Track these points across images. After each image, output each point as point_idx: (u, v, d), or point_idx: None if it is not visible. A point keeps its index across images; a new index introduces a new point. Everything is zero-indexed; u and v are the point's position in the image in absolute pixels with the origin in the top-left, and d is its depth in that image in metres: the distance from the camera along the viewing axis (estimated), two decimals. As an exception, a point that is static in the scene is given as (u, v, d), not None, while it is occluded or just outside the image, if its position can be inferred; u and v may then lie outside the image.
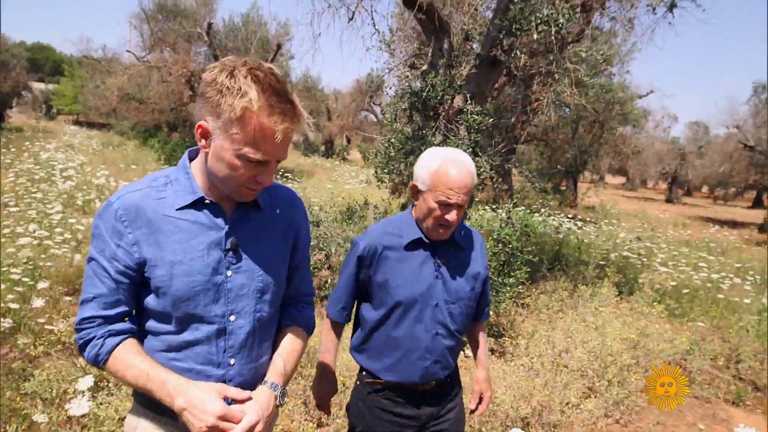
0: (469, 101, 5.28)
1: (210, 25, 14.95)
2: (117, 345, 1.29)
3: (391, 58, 7.19)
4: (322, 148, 35.61)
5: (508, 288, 4.43)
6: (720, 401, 4.55)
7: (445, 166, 1.74)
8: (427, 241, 1.88)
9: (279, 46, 16.58)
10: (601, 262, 7.99)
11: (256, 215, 1.40)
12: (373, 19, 6.90)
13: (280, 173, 15.74)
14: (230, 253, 1.33)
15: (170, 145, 16.55)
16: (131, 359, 1.27)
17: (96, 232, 1.29)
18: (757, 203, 35.46)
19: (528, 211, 12.93)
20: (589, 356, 4.00)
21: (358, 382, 2.01)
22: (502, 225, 4.52)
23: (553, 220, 11.63)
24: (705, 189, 44.43)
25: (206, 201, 1.32)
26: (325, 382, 2.01)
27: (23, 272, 4.43)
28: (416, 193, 1.85)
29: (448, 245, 1.91)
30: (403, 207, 6.67)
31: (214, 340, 1.33)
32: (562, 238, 9.74)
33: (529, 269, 5.99)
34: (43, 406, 2.97)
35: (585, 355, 3.94)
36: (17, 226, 5.94)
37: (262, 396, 1.32)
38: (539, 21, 4.54)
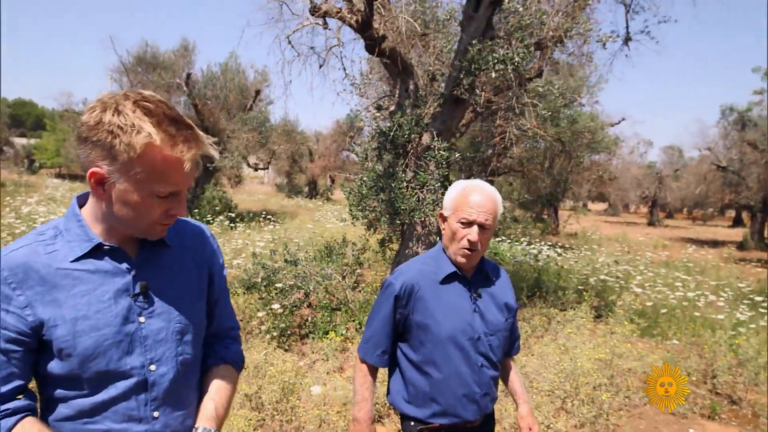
0: (436, 138, 5.51)
1: (189, 75, 15.31)
2: (13, 426, 1.14)
3: (363, 99, 7.46)
4: (306, 189, 35.89)
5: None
6: (696, 416, 4.65)
7: (466, 190, 1.85)
8: (461, 274, 1.90)
9: (257, 92, 16.96)
10: (580, 287, 8.16)
11: (164, 253, 1.32)
12: (343, 64, 7.21)
13: (263, 215, 15.86)
14: (140, 297, 1.24)
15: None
16: None
17: None
18: (737, 222, 36.24)
19: (507, 240, 13.15)
20: (559, 377, 4.10)
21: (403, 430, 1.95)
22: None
23: (533, 248, 11.84)
24: (685, 211, 45.33)
25: (105, 247, 1.22)
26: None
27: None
28: (443, 221, 1.93)
29: (480, 278, 1.94)
30: (381, 242, 6.82)
31: (134, 395, 1.22)
32: (542, 266, 9.91)
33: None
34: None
35: (555, 376, 4.05)
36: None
37: None
38: (496, 60, 4.82)
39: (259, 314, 5.36)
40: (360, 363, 1.95)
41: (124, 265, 1.23)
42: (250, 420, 3.34)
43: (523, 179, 16.73)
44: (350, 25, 4.83)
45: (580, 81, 14.76)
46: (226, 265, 6.79)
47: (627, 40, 7.52)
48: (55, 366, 1.18)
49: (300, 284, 5.42)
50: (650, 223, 37.15)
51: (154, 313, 1.25)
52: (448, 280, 1.90)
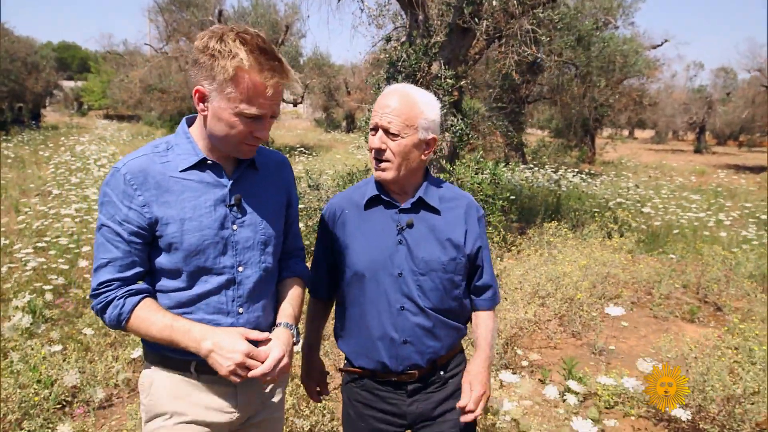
0: (444, 67, 5.81)
1: (221, 12, 15.61)
2: (137, 303, 1.35)
3: (381, 31, 7.70)
4: (344, 123, 36.12)
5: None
6: (677, 319, 5.10)
7: (381, 95, 1.64)
8: (387, 198, 1.67)
9: (288, 27, 17.13)
10: (595, 210, 8.46)
11: (254, 175, 1.49)
12: (360, -5, 7.42)
13: (299, 149, 16.46)
14: (234, 208, 1.42)
15: (193, 131, 17.41)
16: (153, 315, 1.34)
17: (105, 199, 1.35)
18: (788, 147, 34.53)
19: (531, 166, 13.33)
20: (542, 279, 4.60)
21: (340, 371, 1.86)
22: (473, 175, 5.10)
23: (559, 175, 12.04)
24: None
25: (208, 162, 1.40)
26: (309, 370, 1.87)
27: (69, 241, 5.29)
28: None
29: (415, 206, 1.67)
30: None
31: (224, 290, 1.41)
32: (563, 192, 10.18)
33: (510, 217, 6.56)
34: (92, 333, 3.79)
35: (540, 279, 4.56)
36: (60, 208, 6.83)
37: (282, 334, 1.43)
38: (496, -12, 5.03)
39: (285, 233, 6.03)
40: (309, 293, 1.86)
41: (223, 179, 1.42)
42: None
43: (555, 106, 16.57)
44: (354, -40, 5.09)
45: (615, 1, 14.27)
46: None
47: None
48: (163, 260, 1.38)
49: (321, 207, 6.01)
50: (697, 150, 35.76)
51: (245, 223, 1.44)
52: (372, 204, 1.69)
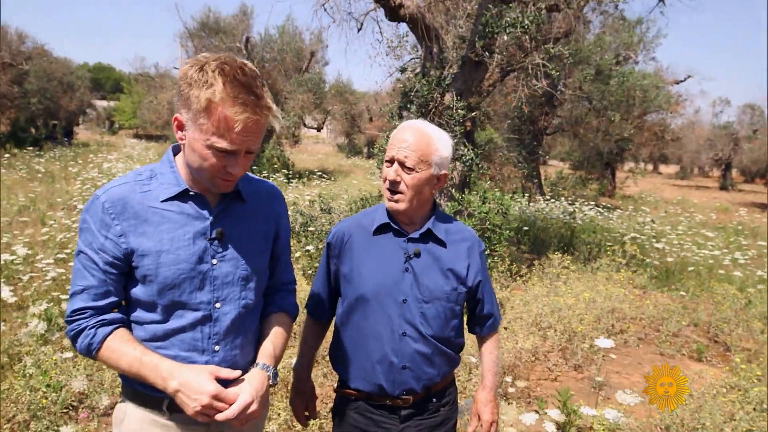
0: (457, 98, 5.96)
1: (248, 39, 16.15)
2: (109, 334, 1.32)
3: (399, 61, 7.92)
4: (365, 149, 36.56)
5: (486, 258, 5.10)
6: (684, 357, 5.04)
7: (397, 129, 1.71)
8: (396, 226, 1.73)
9: (312, 54, 17.61)
10: (608, 243, 8.44)
11: (240, 206, 1.45)
12: (379, 27, 7.68)
13: (318, 174, 16.74)
14: (216, 242, 1.38)
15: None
16: (124, 347, 1.30)
17: (84, 226, 1.33)
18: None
19: (547, 197, 13.32)
20: (544, 310, 4.63)
21: (334, 392, 1.87)
22: (479, 204, 5.18)
23: (575, 207, 12.03)
24: None
25: (191, 193, 1.37)
26: (298, 392, 1.88)
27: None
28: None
29: (423, 236, 1.73)
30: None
31: (200, 326, 1.37)
32: (577, 224, 10.16)
33: (521, 248, 6.58)
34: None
35: (541, 309, 4.58)
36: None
37: (255, 377, 1.37)
38: (507, 24, 5.18)
39: (296, 254, 6.15)
40: (307, 316, 1.92)
41: (205, 212, 1.38)
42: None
43: (574, 139, 16.62)
44: (370, -4, 5.32)
45: (631, 36, 14.38)
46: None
47: (662, -2, 7.56)
48: (138, 291, 1.35)
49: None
50: (722, 187, 35.20)
51: (226, 257, 1.39)
52: (381, 231, 1.74)
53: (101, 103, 47.06)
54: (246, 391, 1.31)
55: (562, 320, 4.55)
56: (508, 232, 5.24)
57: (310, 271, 5.98)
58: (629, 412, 3.36)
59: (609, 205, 15.52)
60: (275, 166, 16.77)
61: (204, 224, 1.37)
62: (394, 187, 1.66)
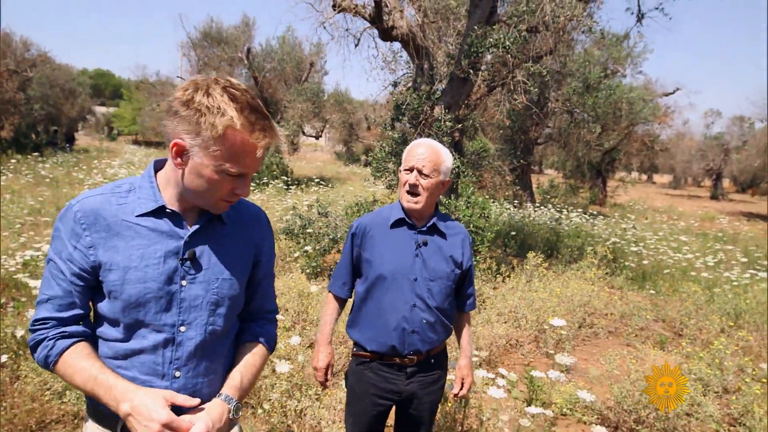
0: (445, 111, 6.48)
1: (249, 49, 16.69)
2: (68, 348, 1.28)
3: (394, 75, 8.44)
4: (363, 157, 37.07)
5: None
6: (647, 347, 5.53)
7: (412, 144, 2.15)
8: (409, 221, 2.15)
9: (312, 65, 18.16)
10: (589, 246, 8.94)
11: (219, 228, 1.41)
12: (375, 43, 8.21)
13: (316, 181, 17.23)
14: (187, 263, 1.33)
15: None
16: (80, 363, 1.26)
17: (56, 234, 1.30)
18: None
19: (542, 207, 13.80)
20: (521, 303, 5.12)
21: (351, 356, 2.28)
22: (463, 208, 5.68)
23: (561, 214, 12.55)
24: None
25: (167, 210, 1.33)
26: (320, 352, 2.24)
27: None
28: (399, 175, 2.19)
29: (430, 229, 2.17)
30: (403, 201, 7.89)
31: (161, 349, 1.32)
32: (562, 229, 10.67)
33: (506, 251, 7.06)
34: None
35: (517, 303, 5.07)
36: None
37: (215, 408, 1.32)
38: (490, 44, 5.71)
39: (295, 254, 6.63)
40: (327, 293, 2.34)
41: (180, 231, 1.34)
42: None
43: (563, 149, 17.18)
44: (364, 18, 5.83)
45: (618, 52, 14.96)
46: (276, 220, 8.15)
47: (639, 18, 8.11)
48: (104, 306, 1.31)
49: (329, 232, 6.62)
50: (713, 197, 35.84)
51: (196, 280, 1.34)
52: (397, 224, 2.16)
53: (100, 109, 47.48)
54: (201, 421, 1.26)
55: (534, 312, 5.04)
56: (490, 234, 5.73)
57: (308, 270, 6.45)
58: (588, 385, 3.84)
59: (596, 213, 16.06)
60: (274, 173, 17.25)
61: (177, 243, 1.33)
62: (413, 190, 2.09)
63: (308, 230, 6.61)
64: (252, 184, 15.35)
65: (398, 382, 2.16)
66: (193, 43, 18.13)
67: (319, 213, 7.01)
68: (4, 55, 21.66)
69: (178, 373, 1.34)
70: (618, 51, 14.99)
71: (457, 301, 2.33)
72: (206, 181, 1.27)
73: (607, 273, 7.24)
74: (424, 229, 2.16)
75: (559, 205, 15.25)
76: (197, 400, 1.32)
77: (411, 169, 2.09)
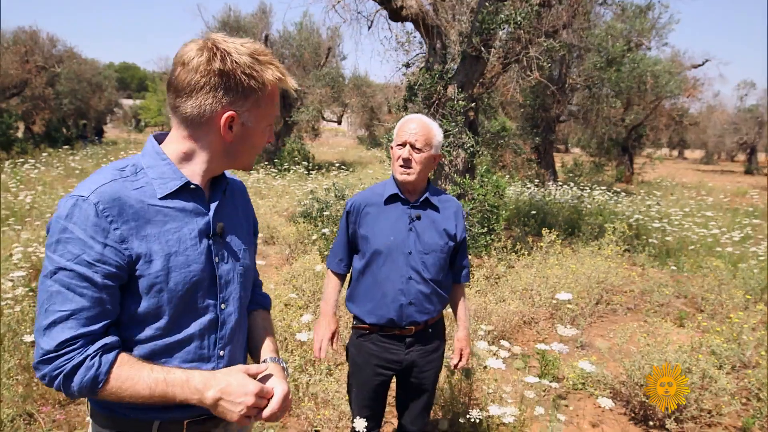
0: (459, 90, 6.43)
1: (267, 36, 16.75)
2: (114, 360, 1.14)
3: (407, 56, 8.39)
4: (385, 141, 36.79)
5: (484, 236, 5.59)
6: (666, 323, 5.47)
7: (404, 120, 2.20)
8: (403, 196, 2.20)
9: (330, 50, 18.15)
10: (611, 225, 8.81)
11: (227, 201, 1.37)
12: (389, 25, 8.17)
13: (337, 165, 17.32)
14: (218, 238, 1.29)
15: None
16: (137, 371, 1.15)
17: (64, 236, 1.10)
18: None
19: (565, 186, 13.63)
20: (535, 280, 5.11)
21: (351, 330, 2.35)
22: (476, 187, 5.66)
23: (583, 191, 12.37)
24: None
25: (192, 186, 1.24)
26: (323, 324, 2.30)
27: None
28: (390, 151, 2.24)
29: (423, 204, 2.22)
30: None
31: (207, 333, 1.28)
32: (587, 207, 10.53)
33: (525, 229, 7.02)
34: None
35: (532, 279, 5.07)
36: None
37: (277, 370, 1.33)
38: (500, 21, 5.63)
39: (313, 237, 6.73)
40: (327, 270, 2.41)
41: (204, 207, 1.27)
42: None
43: (587, 126, 16.86)
44: (373, -1, 5.82)
45: (648, 23, 14.54)
46: (296, 204, 8.30)
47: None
48: (139, 304, 1.18)
49: (345, 214, 6.70)
50: (747, 171, 34.68)
51: (225, 255, 1.31)
52: (391, 200, 2.22)
53: (127, 102, 48.32)
54: (279, 383, 1.27)
55: (549, 288, 5.03)
56: (504, 212, 5.72)
57: (326, 252, 6.54)
58: (602, 360, 3.84)
59: (618, 190, 15.76)
60: (296, 158, 17.39)
61: (205, 220, 1.27)
62: (407, 164, 2.14)
63: (325, 213, 6.69)
64: (273, 169, 15.49)
65: (398, 352, 2.22)
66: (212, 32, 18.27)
67: (336, 196, 7.08)
68: (33, 51, 22.17)
69: (222, 353, 1.31)
70: (642, 23, 14.54)
71: (452, 272, 2.36)
72: (256, 141, 1.26)
73: (626, 250, 7.15)
74: (417, 203, 2.21)
75: (582, 184, 15.00)
76: (266, 366, 1.32)
77: (404, 144, 2.13)
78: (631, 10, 14.77)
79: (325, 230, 6.66)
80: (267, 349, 1.43)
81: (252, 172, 14.90)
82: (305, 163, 16.31)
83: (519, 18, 5.55)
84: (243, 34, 17.09)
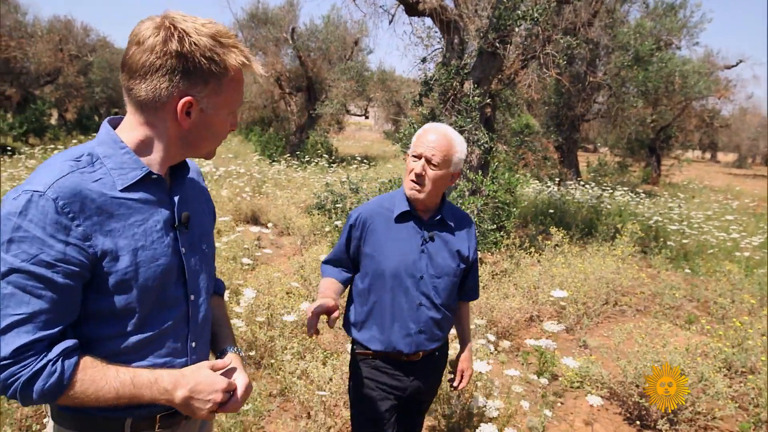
0: (475, 86, 6.45)
1: (293, 29, 16.91)
2: (77, 364, 1.07)
3: (429, 50, 8.42)
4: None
5: (494, 232, 5.62)
6: (675, 327, 5.42)
7: (424, 129, 1.95)
8: (415, 214, 1.99)
9: (356, 43, 18.22)
10: (630, 227, 8.71)
11: (187, 186, 1.31)
12: (410, 19, 8.21)
13: (359, 159, 17.42)
14: (183, 228, 1.23)
15: (265, 138, 18.84)
16: (102, 374, 1.09)
17: (18, 235, 1.01)
18: None
19: (586, 185, 13.49)
20: (542, 278, 5.12)
21: (351, 354, 2.14)
22: (488, 183, 5.68)
23: (603, 192, 12.22)
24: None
25: (153, 176, 1.17)
26: (316, 302, 1.89)
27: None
28: (406, 160, 2.00)
29: (436, 222, 2.01)
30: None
31: (178, 326, 1.24)
32: (608, 208, 10.42)
33: (540, 228, 6.99)
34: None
35: (537, 277, 5.08)
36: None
37: (238, 361, 1.32)
38: (517, 17, 5.62)
39: (326, 229, 6.84)
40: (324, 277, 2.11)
41: (166, 196, 1.22)
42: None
43: (613, 126, 16.60)
44: (390, -6, 5.86)
45: (672, 23, 14.25)
46: (313, 196, 8.36)
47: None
48: (107, 302, 1.12)
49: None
50: (781, 176, 33.64)
51: (191, 244, 1.26)
52: (402, 218, 1.99)
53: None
54: (241, 376, 1.27)
55: (554, 287, 5.04)
56: (515, 210, 5.73)
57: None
58: (597, 359, 3.86)
59: (641, 191, 15.48)
60: (319, 151, 17.53)
61: (168, 210, 1.21)
62: (419, 180, 1.90)
63: (338, 205, 6.79)
64: (295, 162, 15.57)
65: (403, 379, 2.06)
66: (241, 25, 18.53)
67: (350, 189, 7.17)
68: (67, 40, 22.80)
69: (194, 344, 1.28)
70: (672, 21, 14.25)
71: (461, 291, 2.20)
72: (217, 128, 1.19)
73: (642, 251, 7.08)
74: (431, 222, 2.02)
75: (606, 184, 14.78)
76: (229, 361, 1.29)
77: (419, 157, 1.91)
78: (661, 8, 14.48)
79: (338, 222, 6.75)
80: (226, 338, 1.40)
81: (273, 163, 15.09)
82: (327, 156, 16.44)
83: (536, 14, 5.53)
84: (270, 26, 17.31)
